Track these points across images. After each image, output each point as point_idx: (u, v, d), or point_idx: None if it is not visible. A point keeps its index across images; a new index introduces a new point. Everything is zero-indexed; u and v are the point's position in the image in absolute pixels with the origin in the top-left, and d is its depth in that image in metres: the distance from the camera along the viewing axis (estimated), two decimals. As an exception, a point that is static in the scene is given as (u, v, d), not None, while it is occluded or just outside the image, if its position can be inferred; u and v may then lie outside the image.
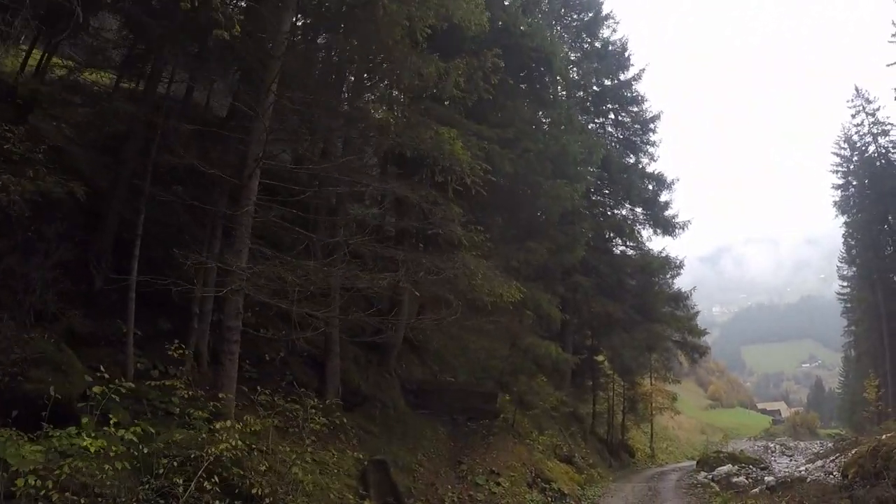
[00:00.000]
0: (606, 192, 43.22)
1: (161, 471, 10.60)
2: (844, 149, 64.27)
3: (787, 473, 29.77)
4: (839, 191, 65.08)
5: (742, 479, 27.90)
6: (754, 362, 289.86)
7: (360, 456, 17.91)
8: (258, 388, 14.28)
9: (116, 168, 16.27)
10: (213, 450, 11.17)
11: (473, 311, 21.04)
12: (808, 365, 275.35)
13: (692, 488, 26.64)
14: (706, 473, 31.04)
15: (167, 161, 14.88)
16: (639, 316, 40.71)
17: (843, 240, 68.70)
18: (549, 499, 20.42)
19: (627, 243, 44.34)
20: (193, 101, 19.43)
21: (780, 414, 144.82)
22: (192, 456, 11.20)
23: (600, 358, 45.43)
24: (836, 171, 64.93)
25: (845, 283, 72.70)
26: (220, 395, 13.24)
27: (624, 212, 43.93)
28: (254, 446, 12.90)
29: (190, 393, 13.32)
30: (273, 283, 14.43)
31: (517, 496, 19.40)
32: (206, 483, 10.85)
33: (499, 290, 18.64)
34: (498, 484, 19.74)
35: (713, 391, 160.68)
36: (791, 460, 41.50)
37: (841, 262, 71.87)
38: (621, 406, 47.77)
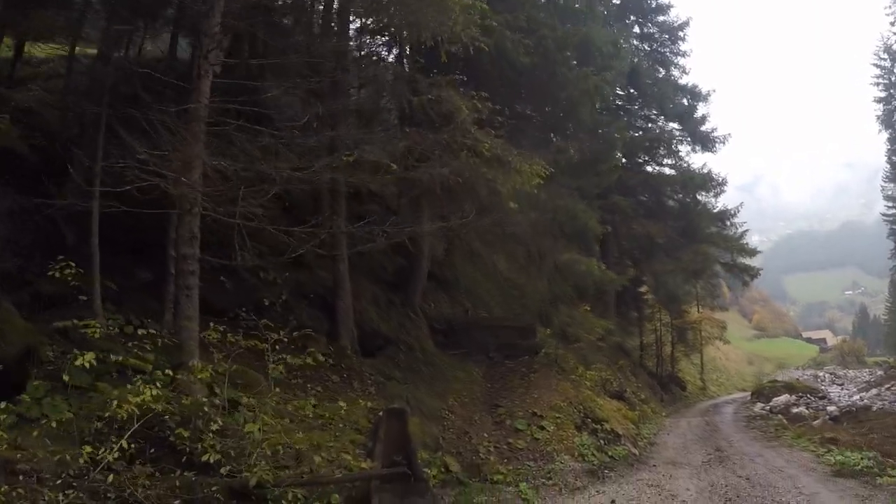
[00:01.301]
0: (637, 107, 38.86)
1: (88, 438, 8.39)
2: (884, 59, 58.45)
3: (849, 403, 27.30)
4: (881, 104, 59.26)
5: (802, 409, 25.80)
6: (797, 291, 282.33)
7: (374, 405, 14.81)
8: (211, 323, 10.98)
9: (82, 114, 14.50)
10: (117, 407, 8.21)
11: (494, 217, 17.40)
12: (851, 292, 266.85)
13: (752, 420, 24.19)
14: (763, 404, 29.19)
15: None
16: (682, 239, 36.90)
17: (886, 157, 62.26)
18: (602, 441, 17.01)
19: (664, 161, 39.90)
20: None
21: (826, 342, 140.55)
22: (107, 416, 8.31)
23: (643, 289, 41.65)
24: (878, 84, 59.10)
25: (891, 204, 65.21)
26: (139, 330, 10.08)
27: (658, 129, 39.39)
28: (206, 399, 9.88)
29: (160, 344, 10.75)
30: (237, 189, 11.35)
31: (565, 441, 16.03)
32: (111, 451, 7.94)
33: (516, 178, 15.00)
34: (541, 428, 16.40)
35: (757, 321, 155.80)
36: (843, 389, 39.59)
37: (885, 182, 65.25)
38: (670, 337, 44.23)
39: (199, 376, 9.73)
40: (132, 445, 8.38)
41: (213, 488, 8.44)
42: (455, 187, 14.67)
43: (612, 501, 12.81)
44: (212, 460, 8.66)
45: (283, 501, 9.00)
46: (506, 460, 14.80)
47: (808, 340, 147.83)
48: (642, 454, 17.63)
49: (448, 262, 26.34)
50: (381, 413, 14.20)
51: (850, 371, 63.43)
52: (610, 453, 16.39)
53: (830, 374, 60.68)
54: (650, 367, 41.06)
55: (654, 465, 16.05)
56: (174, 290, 12.02)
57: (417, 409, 16.18)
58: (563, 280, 21.57)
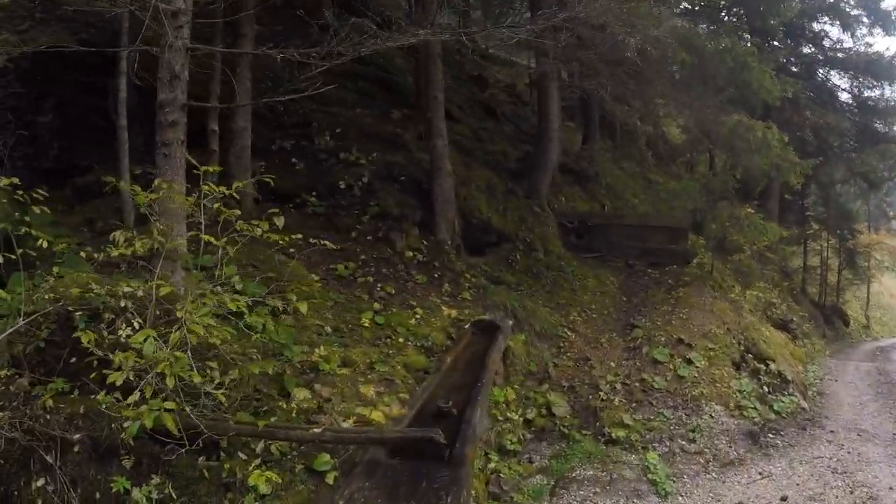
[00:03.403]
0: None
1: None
2: None
3: None
4: None
5: None
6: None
7: (463, 316, 10.53)
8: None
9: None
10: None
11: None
12: None
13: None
14: (946, 356, 22.65)
15: None
16: (853, 142, 29.42)
17: None
18: (766, 388, 11.74)
19: (838, 45, 30.40)
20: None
21: None
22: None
23: (807, 202, 34.21)
24: None
25: None
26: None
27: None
28: (128, 289, 5.91)
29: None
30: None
31: (718, 383, 10.99)
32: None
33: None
34: (688, 362, 11.34)
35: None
36: None
37: None
38: (837, 261, 36.80)
39: (119, 252, 5.62)
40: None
41: (125, 424, 5.16)
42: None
43: (784, 499, 7.95)
44: (118, 382, 5.05)
45: (238, 454, 5.80)
46: (634, 405, 10.07)
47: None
48: (813, 409, 12.25)
49: (586, 154, 21.30)
50: (466, 326, 10.04)
51: None
52: (776, 407, 11.15)
53: None
54: (812, 296, 34.22)
55: (833, 433, 10.75)
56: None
57: (527, 322, 12.03)
58: (727, 162, 15.96)
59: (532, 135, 19.13)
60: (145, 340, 4.98)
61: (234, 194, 6.13)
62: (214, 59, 11.09)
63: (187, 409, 5.22)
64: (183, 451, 5.39)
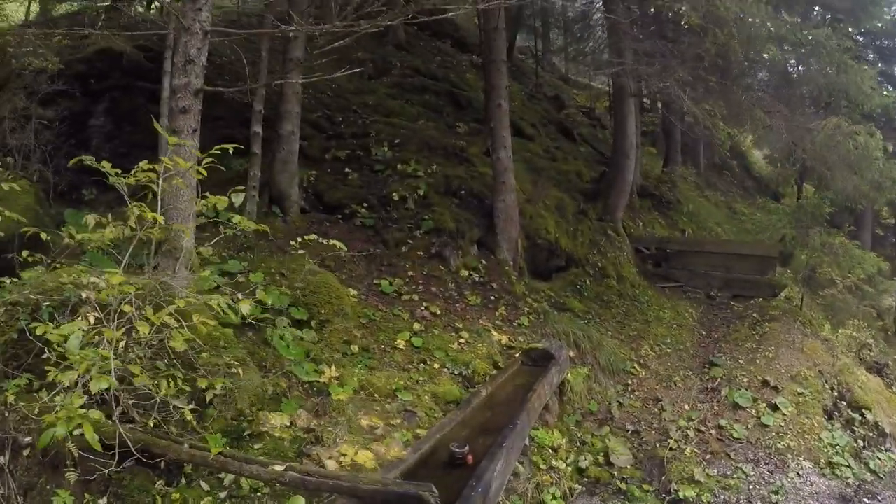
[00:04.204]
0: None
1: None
2: None
3: None
4: None
5: None
6: None
7: (516, 343, 9.17)
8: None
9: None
10: None
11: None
12: None
13: None
14: None
15: None
16: None
17: None
18: (861, 441, 9.73)
19: None
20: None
21: None
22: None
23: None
24: None
25: None
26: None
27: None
28: (92, 281, 4.67)
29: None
30: None
31: (807, 434, 9.12)
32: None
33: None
34: (774, 409, 9.50)
35: None
36: None
37: None
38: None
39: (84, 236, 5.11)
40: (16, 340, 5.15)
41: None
42: None
43: None
44: (66, 383, 4.11)
45: (201, 483, 4.73)
46: (709, 457, 8.40)
47: None
48: (911, 467, 10.25)
49: (667, 178, 19.59)
50: (516, 355, 8.66)
51: None
52: (872, 465, 9.21)
53: None
54: (902, 337, 31.02)
55: (937, 498, 8.84)
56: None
57: (591, 355, 10.49)
58: (820, 183, 14.02)
59: (609, 157, 17.68)
60: (71, 334, 4.00)
61: (202, 171, 5.11)
62: (260, 57, 10.27)
63: (116, 420, 4.20)
64: (125, 469, 4.41)
